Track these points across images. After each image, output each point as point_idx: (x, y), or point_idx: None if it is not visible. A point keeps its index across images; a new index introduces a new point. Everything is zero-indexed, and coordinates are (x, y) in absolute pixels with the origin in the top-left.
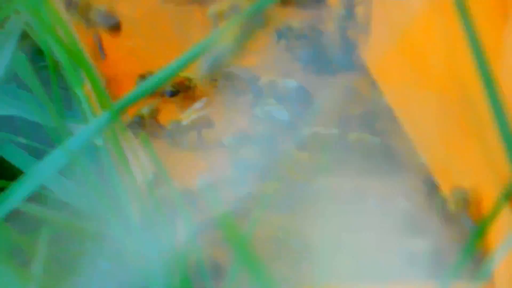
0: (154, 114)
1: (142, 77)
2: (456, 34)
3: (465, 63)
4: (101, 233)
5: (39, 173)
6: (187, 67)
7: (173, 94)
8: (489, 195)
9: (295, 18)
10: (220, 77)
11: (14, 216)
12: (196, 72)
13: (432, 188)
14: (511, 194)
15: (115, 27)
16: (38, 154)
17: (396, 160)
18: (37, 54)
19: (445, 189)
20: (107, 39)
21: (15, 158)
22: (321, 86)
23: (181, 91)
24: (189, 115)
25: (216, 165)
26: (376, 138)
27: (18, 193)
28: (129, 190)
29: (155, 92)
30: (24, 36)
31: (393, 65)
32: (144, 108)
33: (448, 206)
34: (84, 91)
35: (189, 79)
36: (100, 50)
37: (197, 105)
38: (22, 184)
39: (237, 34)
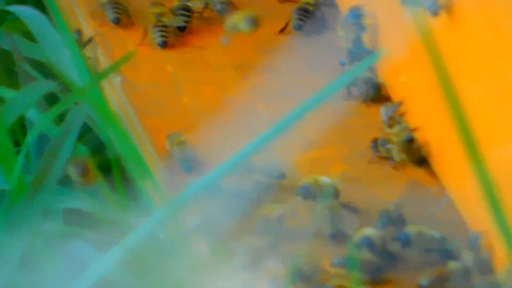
0: None
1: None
2: None
3: None
4: None
5: (102, 266)
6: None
7: None
8: None
9: None
10: None
11: None
12: None
13: None
14: None
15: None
16: (104, 247)
17: None
18: (99, 147)
19: None
20: (170, 132)
21: (80, 252)
22: None
23: None
24: None
25: None
26: None
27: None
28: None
29: None
30: (86, 129)
31: None
32: None
33: None
34: (147, 184)
35: None
36: None
37: None
38: (85, 277)
39: None
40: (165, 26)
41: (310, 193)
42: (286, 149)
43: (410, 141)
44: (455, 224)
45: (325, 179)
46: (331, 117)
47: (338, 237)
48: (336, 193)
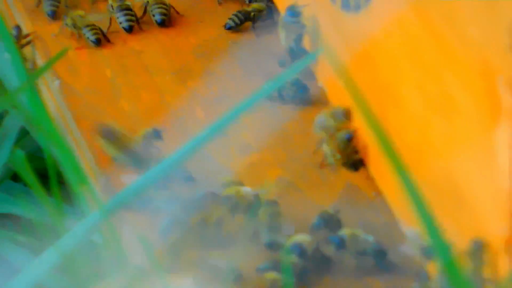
0: None
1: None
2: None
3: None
4: None
5: (35, 270)
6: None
7: None
8: None
9: None
10: None
11: None
12: None
13: None
14: None
15: None
16: (37, 251)
17: None
18: (36, 151)
19: None
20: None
21: (13, 256)
22: None
23: None
24: None
25: None
26: None
27: None
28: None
29: None
30: (24, 133)
31: None
32: None
33: None
34: (84, 189)
35: None
36: None
37: None
38: (18, 281)
39: None
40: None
41: (233, 203)
42: (223, 154)
43: (349, 140)
44: (391, 229)
45: (247, 190)
46: (268, 121)
47: (274, 245)
48: (272, 202)
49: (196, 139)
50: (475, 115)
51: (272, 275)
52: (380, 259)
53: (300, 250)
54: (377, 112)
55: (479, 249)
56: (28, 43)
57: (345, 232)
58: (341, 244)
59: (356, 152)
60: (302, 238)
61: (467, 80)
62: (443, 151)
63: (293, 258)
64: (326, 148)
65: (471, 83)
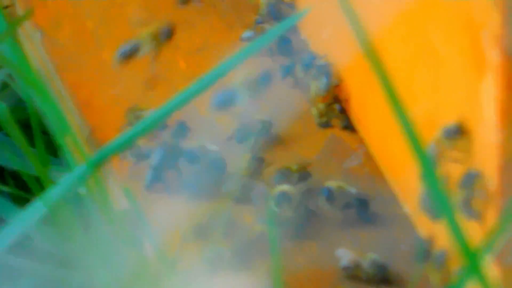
0: None
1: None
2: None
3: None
4: (86, 283)
5: (21, 222)
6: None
7: None
8: None
9: None
10: None
11: None
12: None
13: None
14: None
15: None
16: (22, 203)
17: None
18: (18, 103)
19: None
20: (90, 88)
21: None
22: None
23: None
24: None
25: None
26: None
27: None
28: (113, 238)
29: None
30: (5, 85)
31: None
32: None
33: None
34: (68, 140)
35: None
36: None
37: None
38: (3, 233)
39: None
40: None
41: (195, 158)
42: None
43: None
44: (374, 179)
45: (212, 147)
46: (251, 72)
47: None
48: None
49: (185, 93)
50: (460, 69)
51: (259, 227)
52: (363, 210)
53: (286, 198)
54: (364, 66)
55: (470, 180)
56: None
57: (331, 184)
58: (330, 196)
59: (341, 114)
60: (287, 187)
61: (451, 35)
62: (427, 104)
63: (278, 208)
64: (313, 111)
65: (455, 37)
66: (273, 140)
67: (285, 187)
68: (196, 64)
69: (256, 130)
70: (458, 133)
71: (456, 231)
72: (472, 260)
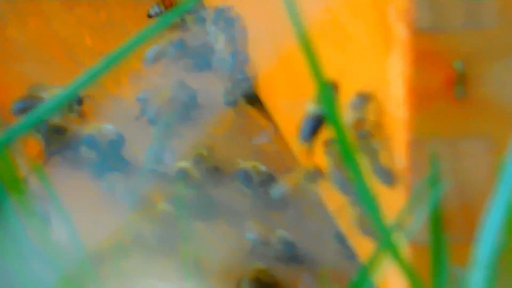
0: None
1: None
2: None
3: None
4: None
5: None
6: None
7: None
8: None
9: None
10: None
11: None
12: None
13: None
14: None
15: None
16: None
17: None
18: None
19: None
20: None
21: None
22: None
23: None
24: None
25: None
26: None
27: None
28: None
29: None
30: None
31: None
32: None
33: None
34: None
35: None
36: None
37: None
38: None
39: None
40: None
41: (94, 142)
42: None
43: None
44: (284, 156)
45: (108, 127)
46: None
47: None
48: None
49: (92, 71)
50: (367, 45)
51: (163, 206)
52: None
53: (184, 174)
54: (270, 41)
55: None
56: None
57: (246, 165)
58: (246, 177)
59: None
60: (185, 164)
61: (359, 10)
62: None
63: (181, 186)
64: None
65: (363, 12)
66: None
67: (183, 164)
68: (103, 40)
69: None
70: (365, 102)
71: (370, 206)
72: (385, 236)
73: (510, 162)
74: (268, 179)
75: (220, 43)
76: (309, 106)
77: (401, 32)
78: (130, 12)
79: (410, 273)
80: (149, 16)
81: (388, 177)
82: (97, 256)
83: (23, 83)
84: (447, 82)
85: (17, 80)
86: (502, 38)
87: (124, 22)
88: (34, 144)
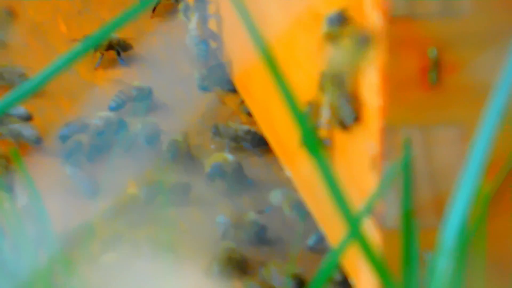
0: None
1: None
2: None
3: None
4: None
5: None
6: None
7: None
8: None
9: None
10: None
11: None
12: None
13: None
14: None
15: None
16: None
17: None
18: None
19: None
20: None
21: None
22: None
23: None
24: None
25: None
26: None
27: None
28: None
29: None
30: None
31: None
32: None
33: None
34: None
35: None
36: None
37: None
38: None
39: None
40: None
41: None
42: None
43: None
44: None
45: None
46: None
47: None
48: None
49: (64, 58)
50: None
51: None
52: (242, 175)
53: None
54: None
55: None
56: None
57: (217, 159)
58: (220, 172)
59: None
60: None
61: None
62: (310, 70)
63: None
64: (195, 74)
65: (335, 2)
66: (153, 106)
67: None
68: (77, 27)
69: (133, 97)
70: (341, 21)
71: (337, 195)
72: (353, 224)
73: (476, 148)
74: (239, 168)
75: (192, 22)
76: None
77: (376, 20)
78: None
79: (378, 264)
80: None
81: (352, 113)
82: (66, 238)
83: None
84: (422, 69)
85: None
86: (477, 25)
87: (99, 9)
88: None
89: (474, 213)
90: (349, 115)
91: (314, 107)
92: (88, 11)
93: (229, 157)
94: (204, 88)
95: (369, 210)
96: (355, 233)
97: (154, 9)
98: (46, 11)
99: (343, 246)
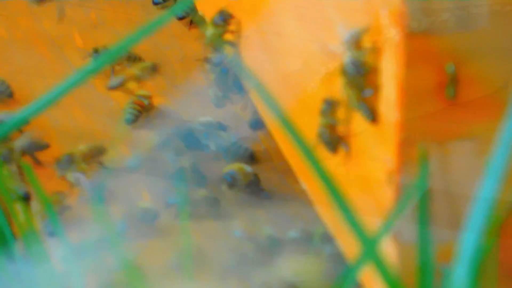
0: None
1: None
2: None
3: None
4: None
5: None
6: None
7: None
8: None
9: None
10: None
11: None
12: None
13: None
14: None
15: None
16: None
17: None
18: None
19: None
20: None
21: None
22: None
23: None
24: None
25: None
26: None
27: None
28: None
29: None
30: None
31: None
32: None
33: None
34: None
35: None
36: None
37: None
38: None
39: None
40: None
41: None
42: None
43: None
44: (272, 156)
45: None
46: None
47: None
48: None
49: (83, 71)
50: None
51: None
52: (259, 188)
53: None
54: (259, 41)
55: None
56: None
57: (232, 168)
58: (233, 181)
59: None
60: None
61: (350, 14)
62: (324, 78)
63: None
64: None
65: (354, 17)
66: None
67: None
68: (93, 40)
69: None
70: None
71: (350, 218)
72: (368, 245)
73: (493, 163)
74: (255, 180)
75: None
76: None
77: (393, 35)
78: (120, 14)
79: (394, 285)
80: (154, 3)
81: (371, 112)
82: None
83: (13, 83)
84: (439, 84)
85: (7, 80)
86: (493, 40)
87: (115, 23)
88: None
89: (490, 228)
90: (368, 115)
91: (332, 104)
92: (104, 25)
93: (246, 168)
94: (220, 105)
95: (386, 231)
96: (371, 255)
97: (191, 22)
98: (62, 24)
99: (359, 266)
